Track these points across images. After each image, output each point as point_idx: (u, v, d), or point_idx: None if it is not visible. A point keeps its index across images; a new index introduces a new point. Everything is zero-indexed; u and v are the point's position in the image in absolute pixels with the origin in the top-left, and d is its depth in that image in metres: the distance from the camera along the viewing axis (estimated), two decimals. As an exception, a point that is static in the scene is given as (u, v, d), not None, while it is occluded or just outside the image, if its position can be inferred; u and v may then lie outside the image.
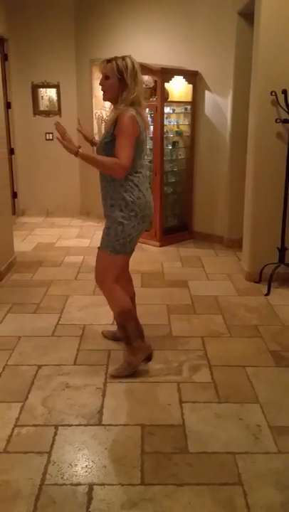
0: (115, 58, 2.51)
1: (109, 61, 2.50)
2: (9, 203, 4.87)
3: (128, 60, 2.50)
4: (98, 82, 2.58)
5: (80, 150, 2.45)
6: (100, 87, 2.57)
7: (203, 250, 5.23)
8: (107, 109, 2.46)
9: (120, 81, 2.48)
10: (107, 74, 2.49)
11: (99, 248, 2.68)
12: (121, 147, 2.43)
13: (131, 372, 2.69)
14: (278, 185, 4.03)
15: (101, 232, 2.70)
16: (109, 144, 2.49)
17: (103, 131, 2.70)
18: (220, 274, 4.46)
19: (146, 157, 2.69)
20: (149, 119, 5.26)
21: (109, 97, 2.55)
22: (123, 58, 2.50)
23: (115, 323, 2.97)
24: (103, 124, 6.06)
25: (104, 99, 2.61)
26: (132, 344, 2.71)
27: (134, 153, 2.48)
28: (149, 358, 2.80)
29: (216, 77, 5.19)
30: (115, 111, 2.51)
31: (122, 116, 2.44)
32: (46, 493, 1.88)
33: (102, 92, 2.59)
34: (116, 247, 2.59)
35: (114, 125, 2.46)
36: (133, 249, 2.70)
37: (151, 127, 5.21)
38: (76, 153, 2.45)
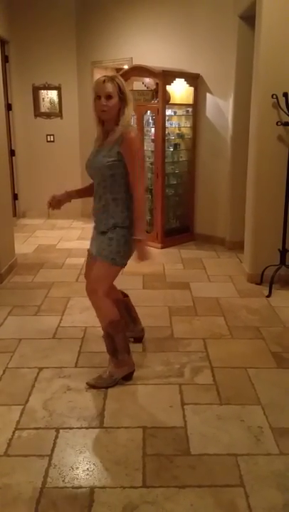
0: (115, 76, 2.48)
1: (110, 80, 2.43)
2: (10, 204, 4.88)
3: (120, 78, 2.49)
4: (96, 102, 2.46)
5: (141, 239, 2.54)
6: (99, 106, 2.46)
7: (205, 252, 5.23)
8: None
9: (121, 99, 2.45)
10: (110, 93, 2.42)
11: (97, 258, 2.62)
12: (137, 173, 2.48)
13: (110, 384, 2.63)
14: (279, 187, 4.03)
15: None
16: (116, 162, 2.45)
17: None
18: (221, 275, 4.46)
19: None
20: (150, 121, 5.28)
21: (110, 116, 2.47)
22: (117, 77, 2.48)
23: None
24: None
25: (105, 119, 2.50)
26: (117, 357, 2.65)
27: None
28: (129, 376, 2.69)
29: (218, 80, 5.20)
30: (117, 129, 2.47)
31: (129, 136, 2.43)
32: (47, 497, 1.87)
33: (100, 112, 2.48)
34: (116, 259, 2.55)
35: (118, 144, 2.44)
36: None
37: (153, 129, 5.22)
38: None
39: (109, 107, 2.43)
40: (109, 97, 2.42)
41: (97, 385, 2.63)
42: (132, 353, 2.98)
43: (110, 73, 2.49)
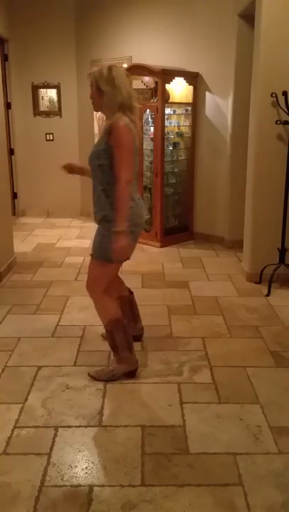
0: (94, 71, 2.51)
1: (89, 74, 2.51)
2: (9, 203, 4.87)
3: (105, 68, 2.45)
4: None
5: (116, 230, 2.40)
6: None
7: (204, 251, 5.23)
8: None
9: (98, 89, 2.45)
10: (90, 86, 2.50)
11: (92, 256, 2.62)
12: (122, 163, 2.38)
13: (110, 379, 2.64)
14: (279, 186, 4.03)
15: None
16: (103, 152, 2.44)
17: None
18: (220, 274, 4.46)
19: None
20: (149, 120, 5.27)
21: (96, 107, 2.54)
22: (104, 67, 2.47)
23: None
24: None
25: (95, 110, 2.62)
26: (118, 353, 2.66)
27: (133, 165, 2.45)
28: (132, 374, 2.69)
29: (217, 79, 5.19)
30: (107, 120, 2.47)
31: (116, 125, 2.38)
32: (46, 495, 1.87)
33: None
34: (108, 257, 2.49)
35: (108, 134, 2.41)
36: (127, 257, 2.59)
37: (152, 128, 5.22)
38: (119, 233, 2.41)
39: (91, 97, 2.51)
40: (91, 89, 2.49)
41: (97, 377, 2.66)
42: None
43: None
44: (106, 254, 2.50)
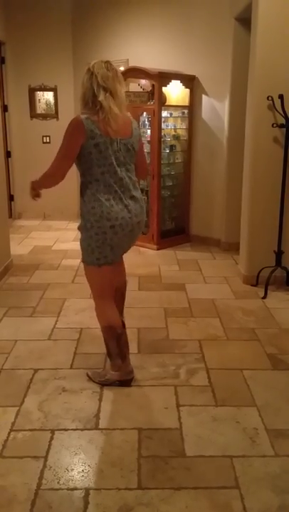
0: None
1: None
2: (6, 205, 4.87)
3: (90, 65, 2.47)
4: None
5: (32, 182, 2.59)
6: None
7: (201, 253, 5.24)
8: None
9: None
10: None
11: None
12: (58, 152, 2.47)
13: (102, 382, 2.63)
14: (275, 188, 4.04)
15: None
16: None
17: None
18: (217, 277, 4.46)
19: (120, 165, 2.46)
20: (146, 122, 5.28)
21: None
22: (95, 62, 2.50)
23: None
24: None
25: None
26: (112, 360, 2.64)
27: (69, 160, 2.44)
28: (125, 383, 2.62)
29: (213, 82, 5.21)
30: None
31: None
32: (42, 498, 1.87)
33: None
34: (88, 259, 2.49)
35: None
36: (112, 259, 2.51)
37: (148, 131, 5.22)
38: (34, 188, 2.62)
39: None
40: None
41: (92, 379, 2.68)
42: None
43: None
44: (86, 256, 2.50)
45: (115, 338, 2.59)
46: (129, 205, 2.46)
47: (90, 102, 2.39)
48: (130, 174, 2.51)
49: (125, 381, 2.64)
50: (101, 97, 2.35)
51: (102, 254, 2.46)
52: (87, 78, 2.42)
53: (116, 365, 2.63)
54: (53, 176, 2.51)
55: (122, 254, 2.65)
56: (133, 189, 2.51)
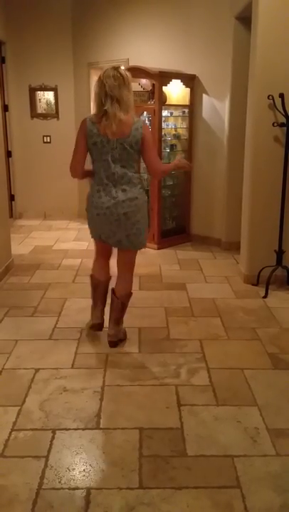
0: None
1: None
2: (6, 205, 4.87)
3: (101, 73, 2.76)
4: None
5: None
6: None
7: (201, 253, 5.24)
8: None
9: None
10: None
11: None
12: None
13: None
14: (275, 188, 4.04)
15: None
16: None
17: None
18: (218, 276, 4.46)
19: (116, 162, 2.79)
20: (147, 122, 5.28)
21: None
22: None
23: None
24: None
25: None
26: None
27: (76, 155, 2.85)
28: (93, 327, 3.21)
29: (214, 81, 5.20)
30: None
31: None
32: (43, 498, 1.87)
33: None
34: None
35: None
36: (99, 238, 3.01)
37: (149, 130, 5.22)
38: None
39: None
40: None
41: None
42: (129, 354, 3.00)
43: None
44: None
45: (92, 286, 3.22)
46: (117, 197, 2.82)
47: (98, 107, 2.76)
48: (126, 170, 2.82)
49: (93, 325, 3.19)
50: (107, 105, 2.69)
51: (92, 231, 3.05)
52: (98, 86, 2.75)
53: (91, 311, 3.22)
54: (71, 167, 2.91)
55: (109, 237, 2.94)
56: (126, 183, 2.82)
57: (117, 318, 3.09)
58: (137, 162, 2.88)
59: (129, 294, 3.11)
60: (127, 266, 3.07)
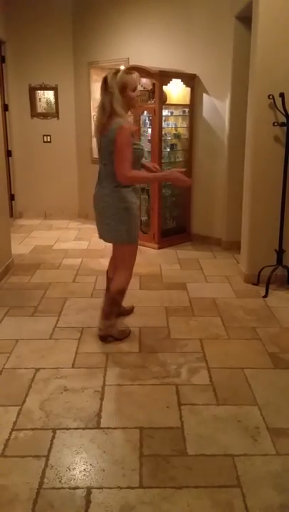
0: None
1: None
2: (6, 205, 4.87)
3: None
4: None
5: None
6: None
7: (202, 252, 5.24)
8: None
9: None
10: None
11: None
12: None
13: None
14: (276, 187, 4.03)
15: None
16: None
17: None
18: (218, 276, 4.46)
19: (100, 160, 2.99)
20: (147, 121, 5.28)
21: None
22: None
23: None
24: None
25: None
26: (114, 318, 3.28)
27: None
28: (123, 313, 3.45)
29: (214, 80, 5.20)
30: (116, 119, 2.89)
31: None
32: (44, 497, 1.87)
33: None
34: None
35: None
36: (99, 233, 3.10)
37: (149, 130, 5.23)
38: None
39: None
40: None
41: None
42: (129, 353, 3.00)
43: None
44: None
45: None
46: (97, 192, 3.03)
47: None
48: (105, 168, 2.94)
49: (120, 313, 3.34)
50: (95, 112, 2.90)
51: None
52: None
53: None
54: None
55: (97, 229, 3.10)
56: (104, 180, 2.95)
57: (105, 312, 3.14)
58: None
59: (121, 291, 3.09)
60: (116, 261, 3.16)
